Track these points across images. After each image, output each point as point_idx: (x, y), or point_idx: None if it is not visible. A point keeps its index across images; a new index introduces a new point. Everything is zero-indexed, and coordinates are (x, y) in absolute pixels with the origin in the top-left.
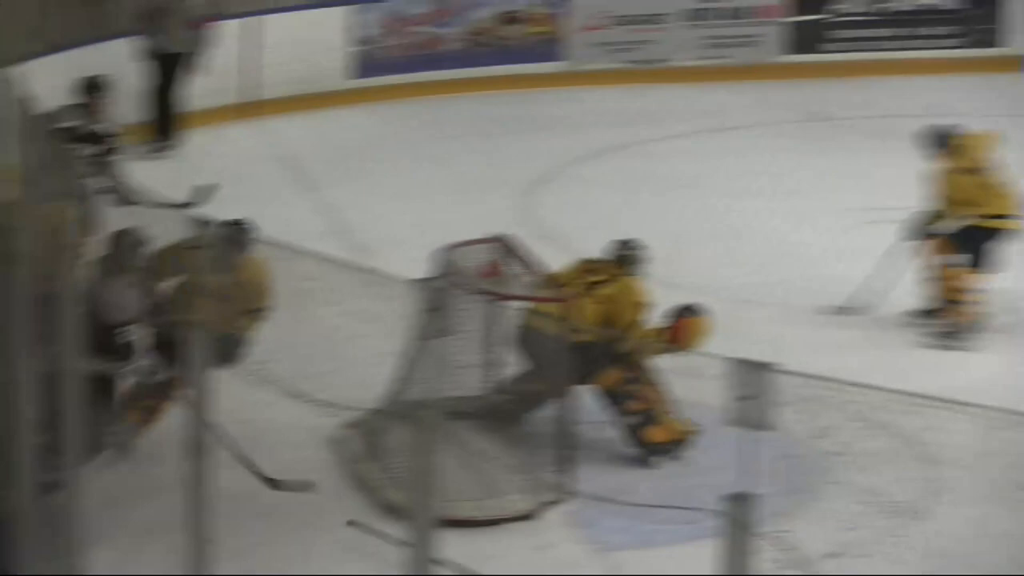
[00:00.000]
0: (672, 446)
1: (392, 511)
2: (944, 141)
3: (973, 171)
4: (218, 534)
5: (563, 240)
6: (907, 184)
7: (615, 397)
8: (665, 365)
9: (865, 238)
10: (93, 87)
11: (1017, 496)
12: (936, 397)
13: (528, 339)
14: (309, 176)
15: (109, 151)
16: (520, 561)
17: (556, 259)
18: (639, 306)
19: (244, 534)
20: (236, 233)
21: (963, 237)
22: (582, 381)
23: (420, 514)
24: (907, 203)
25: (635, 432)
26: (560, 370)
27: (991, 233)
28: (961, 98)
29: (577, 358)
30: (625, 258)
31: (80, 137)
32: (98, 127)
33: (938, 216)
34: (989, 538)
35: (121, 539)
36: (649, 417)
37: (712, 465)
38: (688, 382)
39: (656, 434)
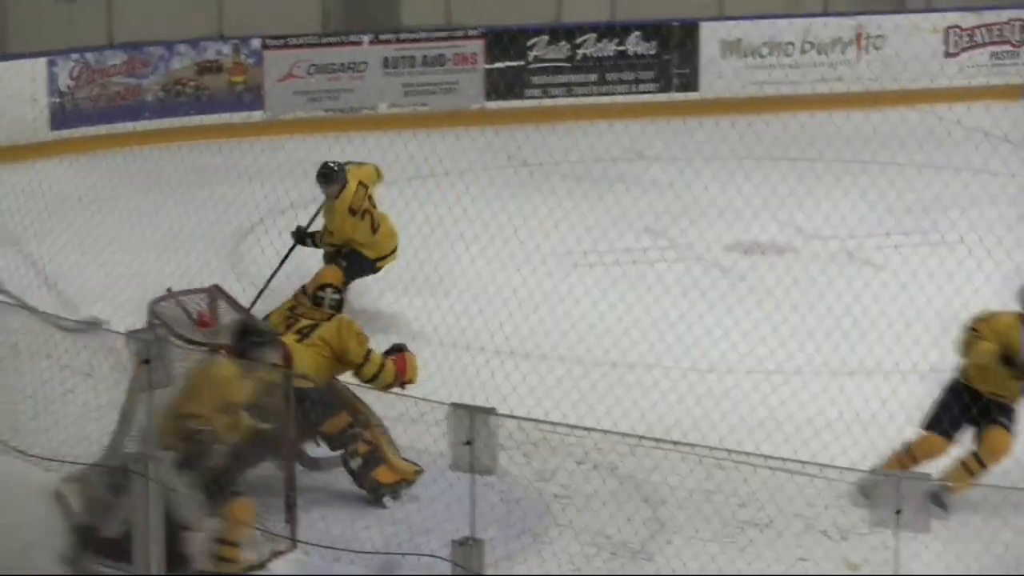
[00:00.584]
0: (399, 486)
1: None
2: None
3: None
4: None
5: (275, 289)
6: (614, 227)
7: (341, 441)
8: (386, 410)
9: (573, 280)
10: None
11: (742, 535)
12: (661, 439)
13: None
14: (10, 230)
15: None
16: None
17: (267, 308)
18: (362, 336)
19: None
20: None
21: None
22: (308, 428)
23: (145, 567)
24: (613, 245)
25: (363, 474)
26: (283, 421)
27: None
28: (659, 142)
29: (300, 407)
30: (321, 301)
31: None
32: None
33: None
34: None
35: None
36: (375, 458)
37: (438, 511)
38: (410, 427)
39: (383, 475)
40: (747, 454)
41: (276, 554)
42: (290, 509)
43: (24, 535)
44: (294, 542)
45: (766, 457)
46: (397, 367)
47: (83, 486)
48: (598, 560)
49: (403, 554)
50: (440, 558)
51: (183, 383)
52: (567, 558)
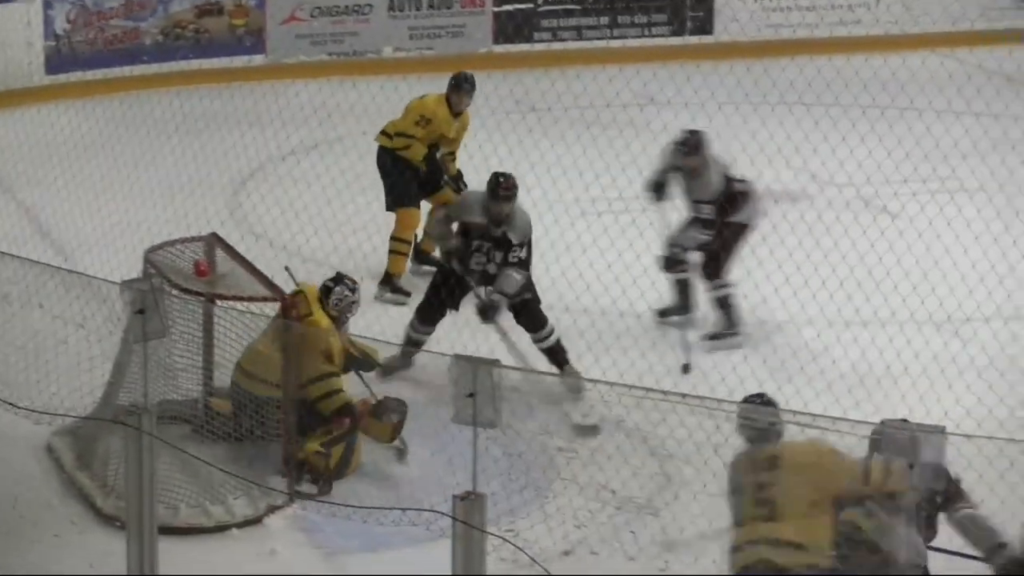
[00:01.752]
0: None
1: (109, 520)
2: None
3: None
4: None
5: (273, 238)
6: (624, 173)
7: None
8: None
9: (581, 228)
10: None
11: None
12: (669, 391)
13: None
14: (3, 177)
15: None
16: (244, 568)
17: (265, 257)
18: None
19: None
20: None
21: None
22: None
23: (138, 522)
24: (623, 193)
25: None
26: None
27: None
28: (672, 86)
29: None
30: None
31: None
32: None
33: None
34: (716, 532)
35: None
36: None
37: (439, 465)
38: (413, 379)
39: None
40: (757, 407)
41: (272, 509)
42: (288, 464)
43: (14, 489)
44: (291, 497)
45: (777, 410)
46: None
47: (75, 439)
48: (603, 515)
49: (403, 509)
50: (441, 513)
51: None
52: (571, 513)
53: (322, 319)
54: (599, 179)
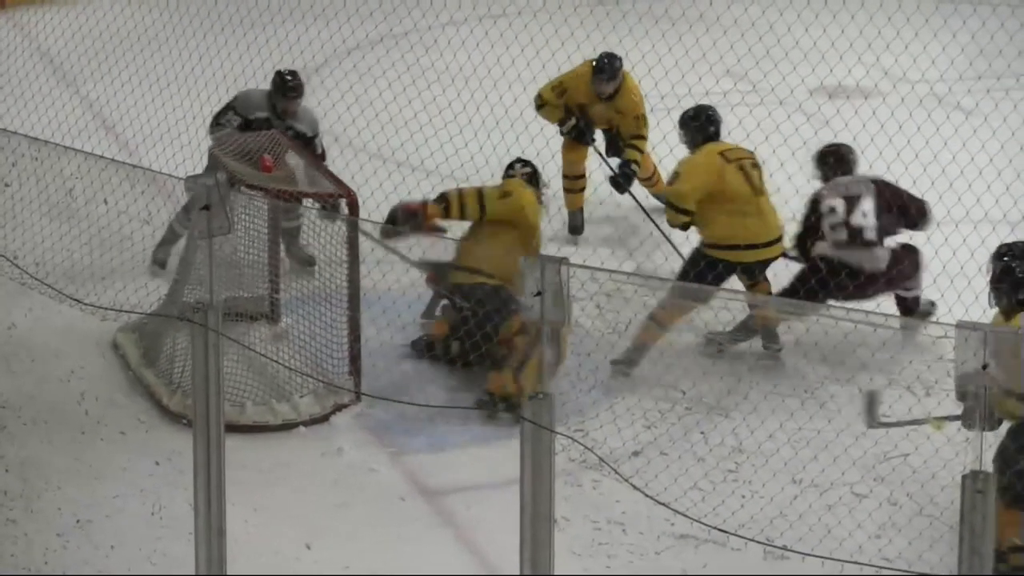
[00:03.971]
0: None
1: (175, 417)
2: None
3: None
4: None
5: (338, 134)
6: (693, 69)
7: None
8: None
9: (657, 127)
10: None
11: (823, 390)
12: (737, 290)
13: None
14: (67, 70)
15: None
16: (311, 467)
17: (330, 154)
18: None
19: (22, 445)
20: None
21: None
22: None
23: (205, 420)
24: (692, 89)
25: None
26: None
27: None
28: None
29: None
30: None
31: None
32: None
33: None
34: (786, 434)
35: None
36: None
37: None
38: None
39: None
40: (826, 306)
41: (339, 407)
42: (354, 361)
43: (80, 386)
44: (358, 395)
45: (847, 309)
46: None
47: (140, 336)
48: (672, 415)
49: (469, 408)
50: (508, 412)
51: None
52: (640, 413)
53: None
54: (668, 74)
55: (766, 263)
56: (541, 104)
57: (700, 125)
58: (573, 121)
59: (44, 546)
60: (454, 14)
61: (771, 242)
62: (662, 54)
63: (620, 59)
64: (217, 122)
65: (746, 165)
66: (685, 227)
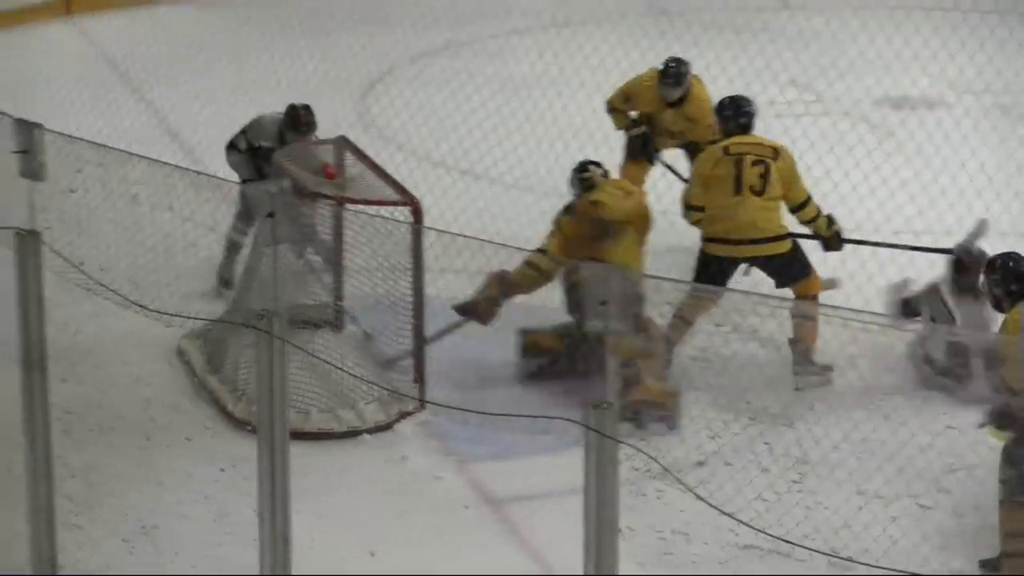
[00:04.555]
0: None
1: (240, 424)
2: None
3: None
4: (60, 450)
5: (402, 142)
6: (757, 79)
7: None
8: None
9: None
10: None
11: (888, 402)
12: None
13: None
14: (132, 77)
15: None
16: (375, 474)
17: (394, 161)
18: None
19: (87, 450)
20: None
21: None
22: None
23: (270, 427)
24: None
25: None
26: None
27: None
28: None
29: None
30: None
31: None
32: None
33: None
34: (851, 444)
35: None
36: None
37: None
38: None
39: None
40: (893, 317)
41: (403, 415)
42: (419, 369)
43: (145, 392)
44: (422, 403)
45: (914, 321)
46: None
47: (205, 342)
48: (736, 425)
49: (534, 416)
50: (573, 421)
51: None
52: (704, 423)
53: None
54: (732, 84)
55: (759, 261)
56: (610, 109)
57: (730, 115)
58: (638, 130)
59: (109, 551)
60: (518, 23)
61: (754, 240)
62: (726, 64)
63: (687, 64)
64: (230, 145)
65: (746, 160)
66: (697, 224)
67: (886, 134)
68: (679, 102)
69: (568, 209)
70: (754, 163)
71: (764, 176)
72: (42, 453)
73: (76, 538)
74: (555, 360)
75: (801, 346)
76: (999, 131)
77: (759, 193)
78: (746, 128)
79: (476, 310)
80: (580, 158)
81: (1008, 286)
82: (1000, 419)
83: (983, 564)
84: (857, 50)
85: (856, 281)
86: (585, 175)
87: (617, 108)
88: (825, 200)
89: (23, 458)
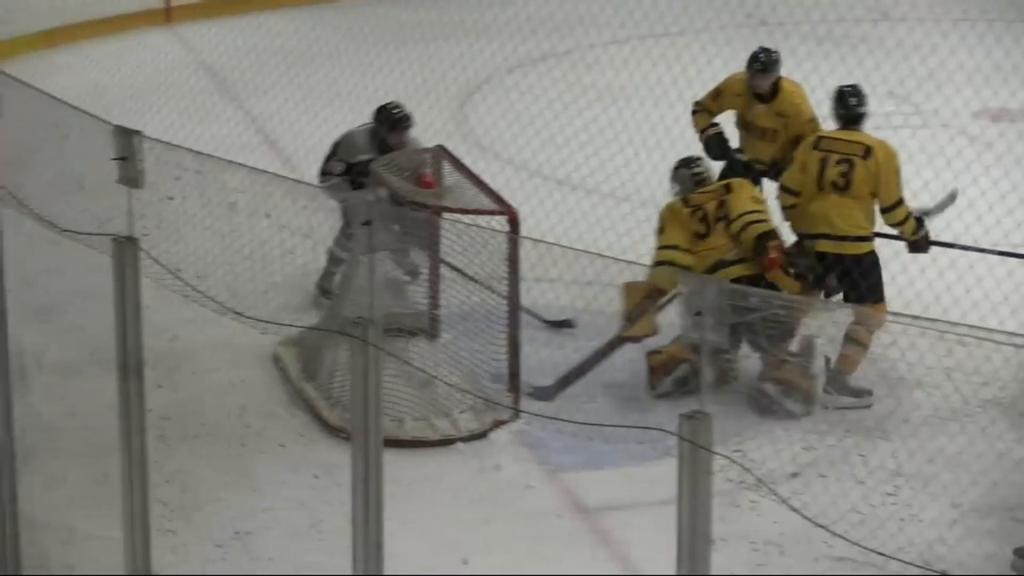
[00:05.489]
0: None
1: (334, 431)
2: None
3: None
4: (155, 455)
5: (499, 152)
6: None
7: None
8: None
9: None
10: None
11: (984, 414)
12: (899, 313)
13: None
14: (230, 85)
15: None
16: (468, 482)
17: (491, 171)
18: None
19: (182, 456)
20: None
21: None
22: None
23: (364, 435)
24: None
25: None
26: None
27: None
28: (907, 2)
29: None
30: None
31: None
32: None
33: None
34: (946, 458)
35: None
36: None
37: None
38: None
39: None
40: (990, 331)
41: (498, 424)
42: (514, 378)
43: (241, 399)
44: (517, 412)
45: (1010, 334)
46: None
47: (301, 350)
48: (831, 438)
49: (628, 427)
50: (667, 431)
51: None
52: (799, 436)
53: None
54: (830, 96)
55: (830, 260)
56: (696, 110)
57: (836, 107)
58: (714, 129)
59: (202, 557)
60: (616, 33)
61: (827, 235)
62: (824, 75)
63: (776, 52)
64: (324, 171)
65: (831, 158)
66: (790, 208)
67: (985, 146)
68: (770, 97)
69: (687, 201)
70: (839, 161)
71: (846, 175)
72: (138, 459)
73: (169, 543)
74: (687, 377)
75: (838, 369)
76: None
77: (842, 190)
78: (851, 121)
79: (634, 333)
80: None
81: None
82: None
83: None
84: (956, 62)
85: (954, 293)
86: (698, 171)
87: (704, 108)
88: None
89: (119, 463)
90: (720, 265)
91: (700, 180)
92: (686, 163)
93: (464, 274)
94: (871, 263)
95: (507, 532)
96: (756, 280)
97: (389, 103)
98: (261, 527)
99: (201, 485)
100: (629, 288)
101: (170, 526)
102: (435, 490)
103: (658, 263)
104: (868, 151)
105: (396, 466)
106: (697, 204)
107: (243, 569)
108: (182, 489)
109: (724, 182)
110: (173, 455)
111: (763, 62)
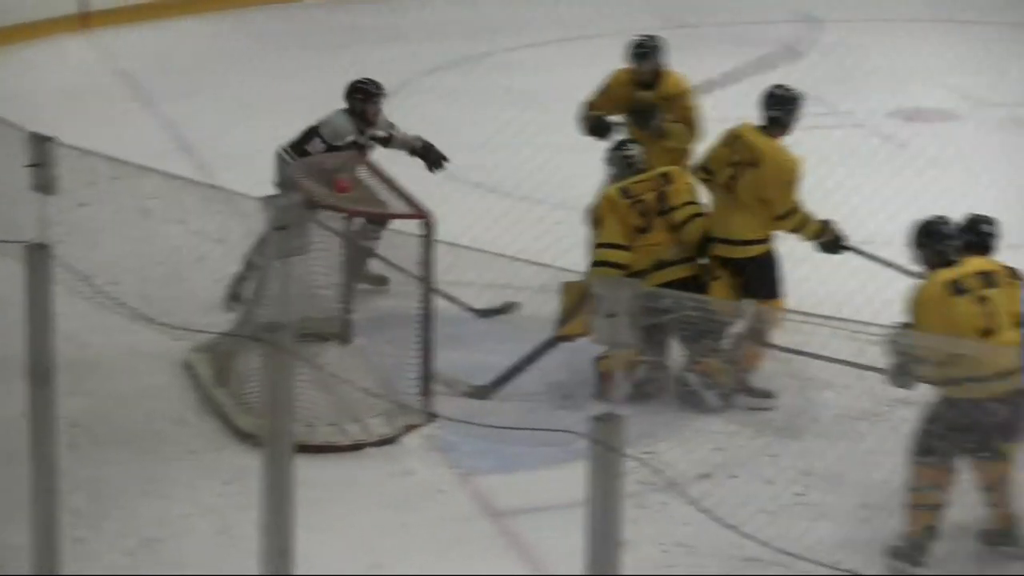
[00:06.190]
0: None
1: (245, 437)
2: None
3: None
4: (64, 462)
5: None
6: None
7: None
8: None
9: None
10: None
11: (893, 413)
12: (810, 313)
13: None
14: (147, 91)
15: None
16: (380, 487)
17: (408, 174)
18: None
19: (93, 463)
20: None
21: None
22: None
23: (275, 440)
24: None
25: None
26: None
27: None
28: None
29: None
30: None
31: None
32: None
33: None
34: (856, 457)
35: None
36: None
37: (576, 386)
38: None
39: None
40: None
41: (410, 428)
42: (426, 382)
43: (151, 405)
44: (429, 416)
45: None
46: None
47: (213, 356)
48: (741, 438)
49: (539, 429)
50: (577, 434)
51: None
52: (708, 435)
53: None
54: (747, 96)
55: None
56: (584, 114)
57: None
58: (595, 112)
59: (112, 564)
60: (534, 37)
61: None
62: (740, 79)
63: (659, 38)
64: (303, 150)
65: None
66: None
67: (899, 147)
68: (653, 84)
69: (625, 192)
70: (731, 163)
71: (734, 179)
72: (47, 466)
73: (80, 551)
74: (648, 379)
75: (739, 367)
76: (1012, 143)
77: (730, 192)
78: (774, 124)
79: (570, 332)
80: (595, 171)
81: None
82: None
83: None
84: (871, 64)
85: (867, 292)
86: (629, 154)
87: (595, 106)
88: (836, 212)
89: (28, 471)
90: (661, 265)
91: (631, 163)
92: (618, 146)
93: (378, 279)
94: (762, 264)
95: (419, 536)
96: (695, 281)
97: (358, 79)
98: (171, 534)
99: (111, 492)
100: (567, 287)
101: (80, 534)
102: (347, 495)
103: (596, 263)
104: (759, 160)
105: (308, 471)
106: (636, 195)
107: None
108: (92, 497)
109: (661, 170)
110: (83, 462)
111: (645, 46)
